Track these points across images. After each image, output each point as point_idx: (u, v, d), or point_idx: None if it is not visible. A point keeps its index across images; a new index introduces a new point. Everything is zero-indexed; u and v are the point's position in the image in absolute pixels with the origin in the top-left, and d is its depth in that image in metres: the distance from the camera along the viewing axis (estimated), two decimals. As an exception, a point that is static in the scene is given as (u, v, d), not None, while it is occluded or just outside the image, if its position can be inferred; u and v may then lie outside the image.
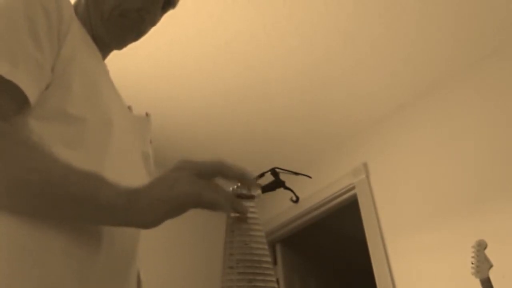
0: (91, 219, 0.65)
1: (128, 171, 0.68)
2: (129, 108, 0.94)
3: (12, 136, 0.63)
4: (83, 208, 0.62)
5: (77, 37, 0.78)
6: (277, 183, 0.75)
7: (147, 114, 0.97)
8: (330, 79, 2.42)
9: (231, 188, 0.65)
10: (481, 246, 1.56)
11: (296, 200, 0.76)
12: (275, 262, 3.06)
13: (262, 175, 0.73)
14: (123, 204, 0.61)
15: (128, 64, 2.23)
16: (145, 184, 0.63)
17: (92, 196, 0.61)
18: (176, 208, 0.60)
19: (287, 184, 0.75)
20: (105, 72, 0.88)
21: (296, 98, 2.52)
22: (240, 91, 2.46)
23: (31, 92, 0.66)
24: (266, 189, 0.72)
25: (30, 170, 0.60)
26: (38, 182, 0.60)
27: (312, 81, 2.42)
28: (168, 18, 2.01)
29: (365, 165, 2.66)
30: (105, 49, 0.91)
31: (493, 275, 1.51)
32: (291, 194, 0.77)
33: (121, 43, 0.91)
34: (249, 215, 0.64)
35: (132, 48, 2.08)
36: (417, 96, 2.55)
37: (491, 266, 1.52)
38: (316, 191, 2.79)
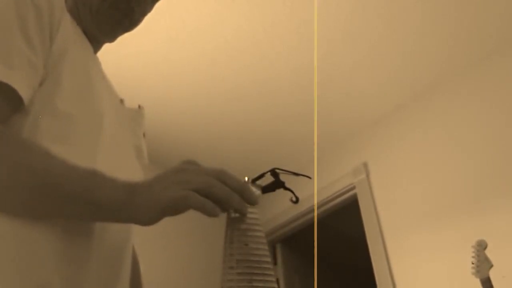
0: (87, 216, 0.65)
1: (120, 166, 0.67)
2: (122, 101, 0.92)
3: (8, 138, 0.63)
4: (80, 207, 0.62)
5: (68, 31, 0.77)
6: (277, 184, 0.74)
7: (139, 107, 0.96)
8: (330, 78, 2.42)
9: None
10: (481, 246, 1.56)
11: (296, 201, 0.76)
12: (275, 262, 3.06)
13: (262, 175, 0.73)
14: (121, 202, 0.61)
15: (125, 62, 2.23)
16: (143, 181, 0.63)
17: (90, 195, 0.61)
18: (170, 209, 0.60)
19: (287, 185, 0.74)
20: (97, 64, 0.87)
21: (296, 97, 2.52)
22: (239, 90, 2.46)
23: (26, 93, 0.66)
24: (266, 189, 0.72)
25: (27, 173, 0.60)
26: (35, 184, 0.60)
27: (312, 81, 2.42)
28: (167, 15, 2.02)
29: (365, 165, 2.66)
30: (96, 42, 0.90)
31: (493, 275, 1.51)
32: (291, 194, 0.76)
33: (111, 36, 0.90)
34: (249, 215, 0.64)
35: (130, 46, 2.10)
36: (417, 96, 2.55)
37: (491, 266, 1.51)
38: (316, 191, 2.79)
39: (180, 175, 0.61)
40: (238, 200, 0.61)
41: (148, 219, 0.61)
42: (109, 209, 0.61)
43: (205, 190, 0.59)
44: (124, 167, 0.79)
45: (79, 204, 0.62)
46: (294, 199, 0.76)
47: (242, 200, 0.61)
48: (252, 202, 0.63)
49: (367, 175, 2.63)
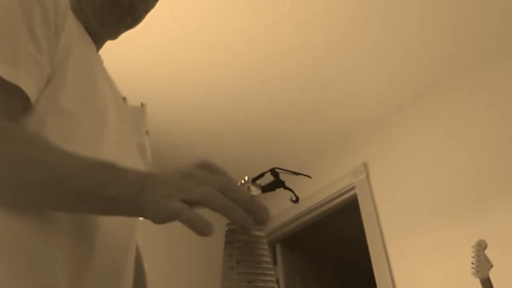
0: (96, 210, 0.63)
1: (124, 164, 0.66)
2: (124, 99, 0.92)
3: (14, 134, 0.62)
4: (90, 201, 0.60)
5: (73, 28, 0.77)
6: (277, 183, 0.74)
7: (142, 105, 0.96)
8: (330, 78, 2.42)
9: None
10: (481, 246, 1.56)
11: (296, 200, 0.76)
12: (275, 262, 3.06)
13: (261, 175, 0.73)
14: (129, 196, 0.58)
15: (126, 62, 2.23)
16: (155, 176, 0.59)
17: (100, 189, 0.58)
18: (168, 219, 0.56)
19: (287, 184, 0.74)
20: (100, 62, 0.88)
21: (296, 97, 2.52)
22: (239, 90, 2.46)
23: (32, 92, 0.66)
24: (266, 189, 0.72)
25: (35, 167, 0.60)
26: (43, 178, 0.59)
27: (312, 81, 2.42)
28: (167, 16, 2.02)
29: (365, 165, 2.66)
30: (98, 40, 0.90)
31: (493, 275, 1.51)
32: (291, 194, 0.76)
33: (114, 33, 0.90)
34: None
35: (131, 46, 2.10)
36: (417, 96, 2.54)
37: (491, 266, 1.51)
38: (316, 191, 2.79)
39: (184, 182, 0.57)
40: (241, 215, 0.56)
41: (158, 221, 0.58)
42: (118, 203, 0.59)
43: (203, 202, 0.56)
44: (128, 165, 0.79)
45: (87, 199, 0.60)
46: (294, 198, 0.76)
47: (247, 215, 0.56)
48: (260, 218, 0.58)
49: (367, 175, 2.63)
